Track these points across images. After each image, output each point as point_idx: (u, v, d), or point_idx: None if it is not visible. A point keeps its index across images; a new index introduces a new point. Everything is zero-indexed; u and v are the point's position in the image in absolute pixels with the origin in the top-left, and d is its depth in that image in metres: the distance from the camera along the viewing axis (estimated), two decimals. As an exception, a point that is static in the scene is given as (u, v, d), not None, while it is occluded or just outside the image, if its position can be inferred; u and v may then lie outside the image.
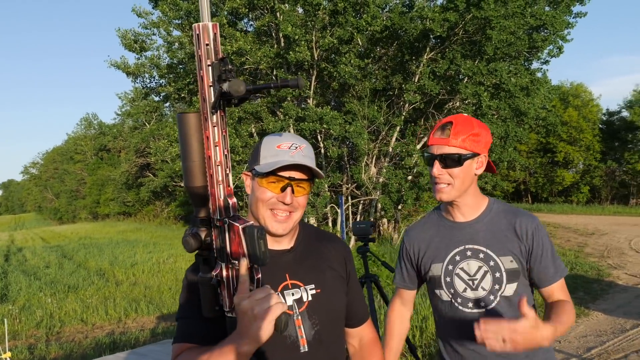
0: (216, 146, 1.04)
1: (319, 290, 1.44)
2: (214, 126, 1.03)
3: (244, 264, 1.07)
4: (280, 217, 1.40)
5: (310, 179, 1.43)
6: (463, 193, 1.76)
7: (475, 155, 1.74)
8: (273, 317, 1.04)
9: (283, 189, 1.38)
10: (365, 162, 14.20)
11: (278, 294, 1.37)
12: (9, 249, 22.45)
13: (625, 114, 28.39)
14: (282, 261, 1.45)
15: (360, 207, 15.31)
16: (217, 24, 1.00)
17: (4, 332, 4.33)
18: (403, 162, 13.68)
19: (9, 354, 4.09)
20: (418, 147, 14.14)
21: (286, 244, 1.48)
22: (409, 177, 13.76)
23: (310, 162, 1.40)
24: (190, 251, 1.11)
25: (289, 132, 11.29)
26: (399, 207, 14.49)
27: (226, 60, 1.00)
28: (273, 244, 1.45)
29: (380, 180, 14.06)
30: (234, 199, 1.06)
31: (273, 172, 1.37)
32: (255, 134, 15.21)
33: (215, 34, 0.99)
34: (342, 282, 1.53)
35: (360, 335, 1.63)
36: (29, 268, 14.80)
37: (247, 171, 1.47)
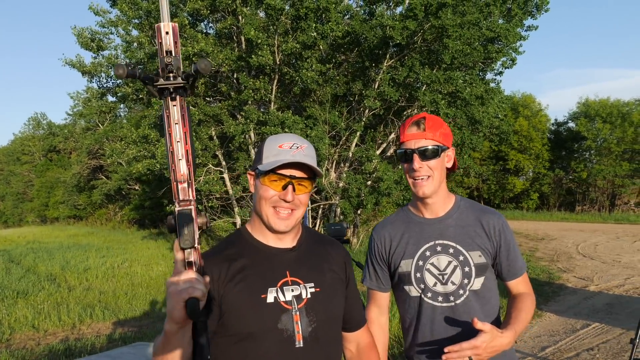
0: (169, 134, 1.10)
1: (318, 290, 1.48)
2: (167, 115, 1.10)
3: (176, 246, 1.12)
4: (282, 214, 1.44)
5: (312, 178, 1.47)
6: (439, 186, 1.83)
7: (446, 148, 1.84)
8: (181, 298, 1.08)
9: (284, 187, 1.43)
10: (326, 167, 14.30)
11: (277, 289, 1.42)
12: (-50, 253, 21.26)
13: (571, 124, 29.74)
14: (283, 258, 1.49)
15: (319, 212, 15.39)
16: (170, 23, 1.07)
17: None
18: (363, 167, 13.86)
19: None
20: (377, 152, 14.37)
21: (289, 242, 1.52)
22: (369, 182, 13.94)
23: (311, 161, 1.45)
24: (170, 232, 1.17)
25: (251, 135, 11.15)
26: (359, 212, 14.66)
27: (169, 54, 1.07)
28: (276, 242, 1.50)
29: (340, 185, 14.19)
30: (184, 184, 1.11)
31: (274, 171, 1.42)
32: (215, 137, 15.05)
33: (167, 32, 1.06)
34: (341, 285, 1.57)
35: (357, 340, 1.67)
36: (-27, 273, 14.06)
37: (251, 170, 1.52)
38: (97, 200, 34.71)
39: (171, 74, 1.07)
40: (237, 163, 14.71)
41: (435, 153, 1.78)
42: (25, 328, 8.20)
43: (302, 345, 1.41)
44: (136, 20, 14.08)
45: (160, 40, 1.07)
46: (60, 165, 45.85)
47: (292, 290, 1.45)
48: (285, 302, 1.43)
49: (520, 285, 1.85)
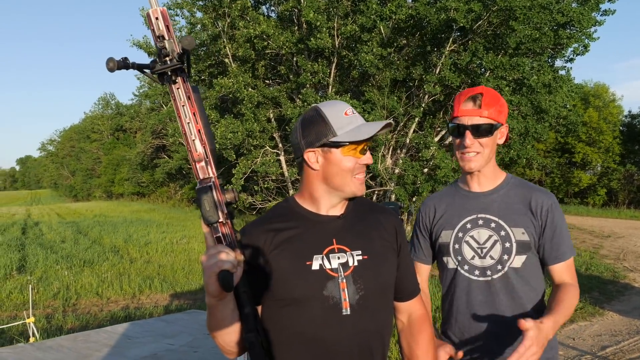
0: (179, 117, 1.14)
1: (366, 257, 1.44)
2: (173, 99, 1.13)
3: (202, 222, 1.16)
4: (362, 178, 1.46)
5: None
6: (487, 163, 1.81)
7: (500, 125, 1.80)
8: (212, 272, 1.12)
9: (363, 152, 1.43)
10: (382, 152, 14.15)
11: (323, 256, 1.40)
12: (26, 222, 22.81)
13: (647, 116, 27.91)
14: (330, 226, 1.46)
15: (374, 198, 15.28)
16: (159, 8, 1.09)
17: (29, 298, 4.42)
18: (420, 154, 13.61)
19: (32, 319, 4.18)
20: (436, 139, 14.06)
21: (337, 210, 1.49)
22: (425, 170, 13.69)
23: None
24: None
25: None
26: (414, 199, 14.44)
27: (162, 38, 1.09)
28: (325, 211, 1.48)
29: (396, 171, 14.01)
30: (202, 163, 1.15)
31: (359, 140, 1.41)
32: (273, 119, 15.20)
33: (157, 18, 1.09)
34: (392, 253, 1.53)
35: (409, 311, 1.62)
36: (45, 242, 15.04)
37: (318, 146, 1.43)
38: (159, 178, 36.05)
39: (167, 58, 1.08)
40: (293, 146, 14.81)
41: (489, 131, 1.75)
42: (90, 294, 8.68)
43: (349, 313, 1.38)
44: (201, 2, 14.36)
45: (152, 27, 1.09)
46: (126, 144, 47.93)
47: (339, 258, 1.42)
48: (331, 269, 1.40)
49: (564, 273, 1.76)
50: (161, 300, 8.48)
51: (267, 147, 14.91)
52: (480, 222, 1.80)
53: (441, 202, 1.92)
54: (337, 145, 1.41)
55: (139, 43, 16.05)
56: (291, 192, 15.13)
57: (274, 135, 15.29)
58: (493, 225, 1.78)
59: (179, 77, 1.11)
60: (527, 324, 1.45)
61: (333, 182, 1.44)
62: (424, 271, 1.99)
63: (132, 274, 10.33)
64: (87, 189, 54.22)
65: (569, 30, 14.24)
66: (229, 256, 1.13)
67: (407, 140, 14.31)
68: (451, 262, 1.84)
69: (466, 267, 1.81)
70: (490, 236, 1.78)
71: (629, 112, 29.35)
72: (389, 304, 1.52)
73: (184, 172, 32.96)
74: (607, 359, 5.07)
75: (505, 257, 1.76)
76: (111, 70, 1.07)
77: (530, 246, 1.76)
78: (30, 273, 10.16)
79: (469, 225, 1.82)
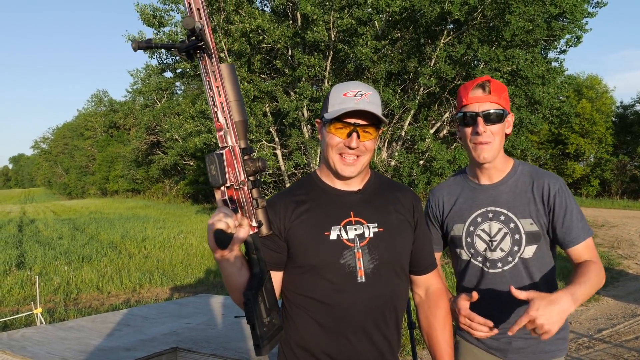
0: (207, 89, 1.22)
1: (381, 230, 1.53)
2: (202, 74, 1.20)
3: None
4: (348, 160, 1.50)
5: (376, 125, 1.51)
6: (498, 153, 1.78)
7: (508, 113, 1.78)
8: (209, 229, 1.17)
9: (349, 135, 1.48)
10: (378, 145, 14.24)
11: (340, 227, 1.48)
12: (22, 220, 22.74)
13: (639, 107, 28.14)
14: (348, 200, 1.56)
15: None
16: None
17: (36, 289, 4.49)
18: (415, 147, 13.71)
19: (40, 309, 4.24)
20: (431, 131, 14.15)
21: (355, 185, 1.58)
22: (421, 162, 13.79)
23: (375, 109, 1.48)
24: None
25: (304, 112, 11.22)
26: (410, 191, 14.54)
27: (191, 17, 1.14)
28: (343, 185, 1.57)
29: (392, 164, 14.11)
30: (221, 133, 1.21)
31: (339, 119, 1.47)
32: (269, 114, 15.24)
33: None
34: (408, 227, 1.60)
35: (427, 285, 1.69)
36: (42, 238, 15.02)
37: (320, 118, 1.58)
38: (154, 174, 36.03)
39: (193, 37, 1.14)
40: (289, 140, 14.87)
41: (500, 118, 1.73)
42: (91, 289, 8.71)
43: (363, 281, 1.47)
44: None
45: (187, 4, 1.16)
46: (120, 140, 47.78)
47: (355, 229, 1.51)
48: (348, 239, 1.50)
49: (582, 254, 1.74)
50: (162, 293, 8.53)
51: (264, 142, 14.96)
52: (490, 215, 1.81)
53: (450, 194, 1.92)
54: (325, 121, 1.52)
55: (134, 39, 15.99)
56: (287, 185, 15.19)
57: (270, 130, 15.34)
58: (502, 217, 1.79)
59: (204, 54, 1.17)
60: (528, 294, 1.42)
61: (324, 155, 1.56)
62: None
63: (131, 268, 10.36)
64: (82, 187, 54.05)
65: (561, 22, 14.37)
66: (227, 217, 1.17)
67: (403, 133, 14.41)
68: (464, 254, 1.87)
69: (479, 258, 1.84)
70: (500, 229, 1.79)
71: (621, 103, 29.61)
72: (402, 275, 1.60)
73: (179, 168, 32.95)
74: (604, 341, 5.19)
75: (516, 248, 1.78)
76: (134, 49, 1.13)
77: (540, 235, 1.77)
78: (29, 269, 10.17)
79: (479, 219, 1.83)
